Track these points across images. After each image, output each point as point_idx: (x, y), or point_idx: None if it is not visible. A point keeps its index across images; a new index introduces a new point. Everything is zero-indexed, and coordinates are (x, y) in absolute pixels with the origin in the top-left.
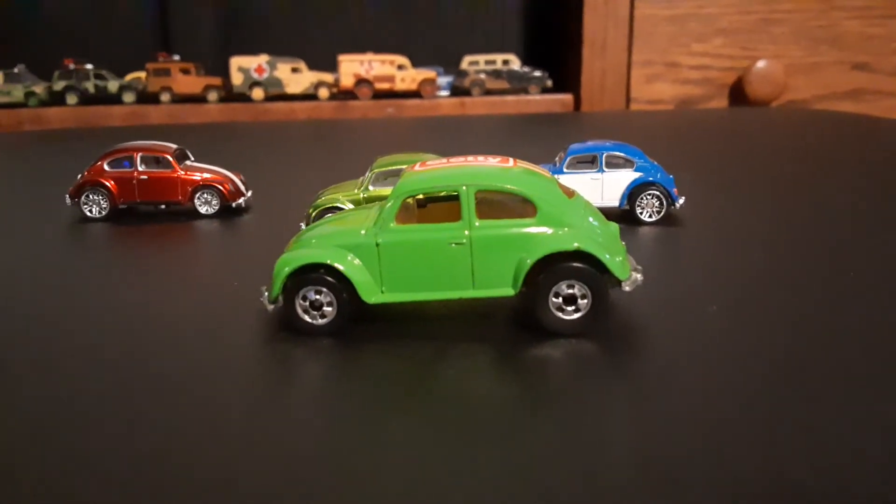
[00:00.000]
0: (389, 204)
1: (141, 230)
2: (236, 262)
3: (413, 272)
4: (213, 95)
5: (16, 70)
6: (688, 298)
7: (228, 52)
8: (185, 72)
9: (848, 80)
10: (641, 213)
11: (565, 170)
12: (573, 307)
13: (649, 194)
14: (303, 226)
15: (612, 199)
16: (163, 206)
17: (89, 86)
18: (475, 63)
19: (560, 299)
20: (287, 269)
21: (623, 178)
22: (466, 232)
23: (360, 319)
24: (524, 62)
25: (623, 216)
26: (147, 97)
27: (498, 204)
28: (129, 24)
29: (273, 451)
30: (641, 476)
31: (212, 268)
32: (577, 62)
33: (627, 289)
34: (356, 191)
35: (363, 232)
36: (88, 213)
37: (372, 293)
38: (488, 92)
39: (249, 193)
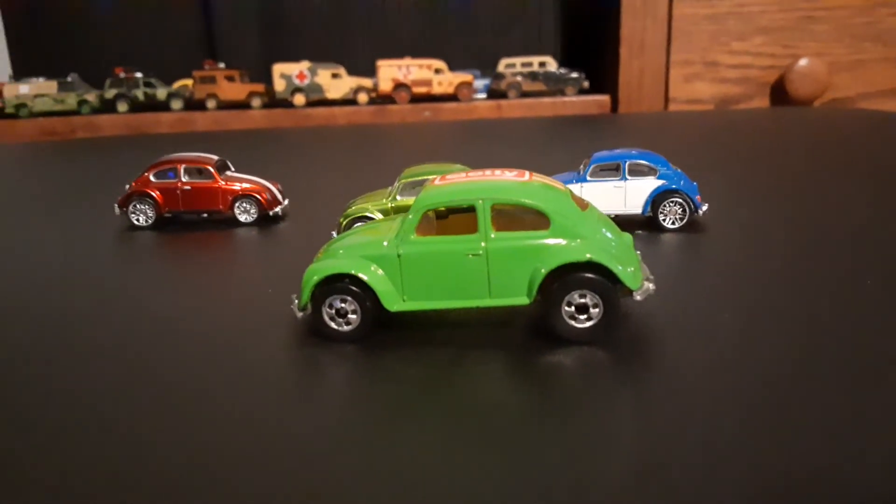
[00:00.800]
0: (410, 217)
1: (184, 237)
2: (271, 269)
3: (432, 282)
4: (256, 102)
5: (69, 79)
6: (703, 307)
7: (271, 58)
8: (230, 79)
9: (893, 77)
10: (664, 221)
11: (589, 178)
12: (585, 316)
13: (672, 202)
14: (334, 234)
15: (636, 207)
16: (205, 215)
17: (139, 94)
18: (511, 65)
19: (573, 308)
20: (314, 279)
21: (646, 186)
22: (483, 244)
23: (383, 326)
24: (561, 63)
25: (646, 223)
26: (194, 104)
27: (513, 216)
28: (177, 33)
29: (293, 450)
30: (641, 484)
31: (248, 274)
32: (615, 62)
33: (639, 298)
34: (385, 200)
35: (386, 243)
36: (136, 222)
37: (394, 302)
38: (525, 94)
39: (286, 202)
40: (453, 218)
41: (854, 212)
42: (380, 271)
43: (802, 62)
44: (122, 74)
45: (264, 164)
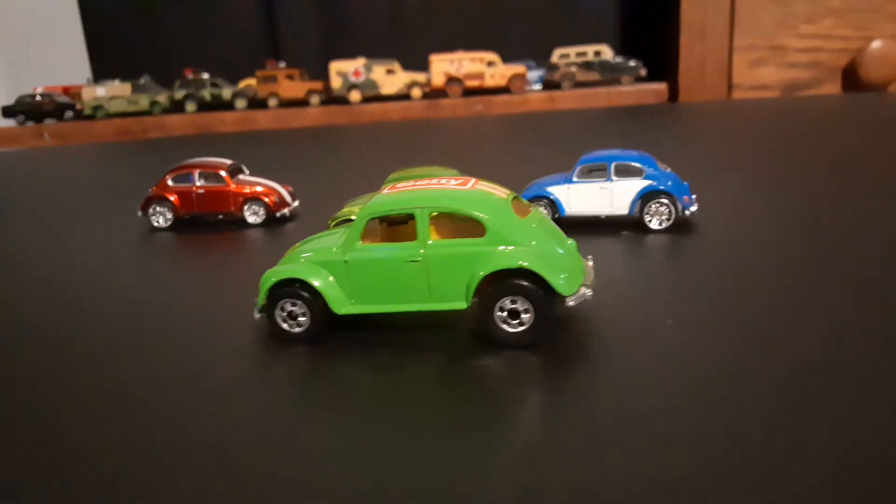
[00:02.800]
0: (355, 225)
1: (193, 238)
2: (254, 271)
3: (377, 287)
4: (314, 99)
5: (142, 81)
6: (652, 312)
7: (329, 56)
8: (290, 77)
9: None
10: (650, 222)
11: (575, 179)
12: (517, 321)
13: (658, 202)
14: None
15: (622, 208)
16: (220, 216)
17: (206, 94)
18: (566, 56)
19: (505, 313)
20: (269, 283)
21: (632, 187)
22: (421, 251)
23: (333, 327)
24: (618, 52)
25: (633, 224)
26: (257, 103)
27: (453, 225)
28: (241, 34)
29: (232, 447)
30: (551, 486)
31: (237, 274)
32: (675, 49)
33: (571, 304)
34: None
35: (335, 249)
36: (155, 224)
37: (342, 305)
38: (579, 84)
39: (295, 203)
40: (405, 226)
41: (875, 215)
42: (330, 276)
43: (875, 44)
44: (190, 76)
45: (295, 164)
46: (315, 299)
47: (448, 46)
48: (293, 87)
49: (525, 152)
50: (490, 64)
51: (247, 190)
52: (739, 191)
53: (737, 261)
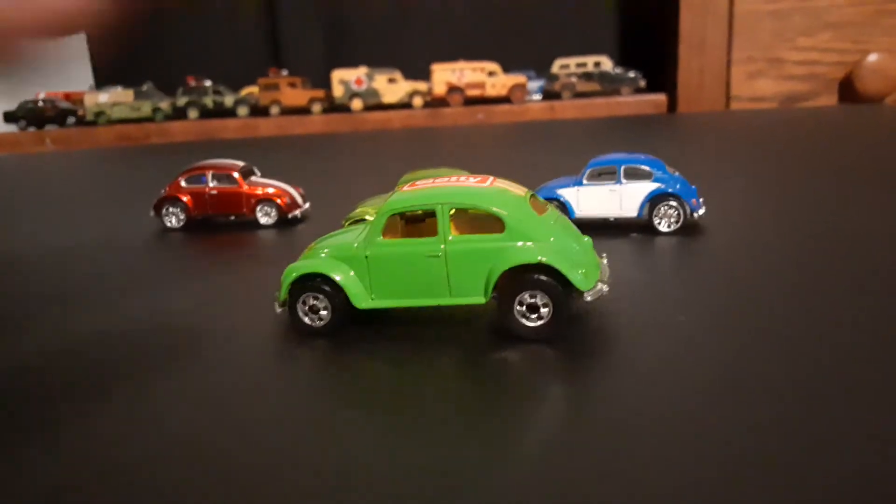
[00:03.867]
0: (376, 221)
1: (206, 239)
2: (271, 271)
3: (397, 281)
4: (316, 107)
5: (144, 88)
6: (664, 310)
7: (332, 65)
8: (292, 86)
9: None
10: (659, 224)
11: (585, 182)
12: (536, 314)
13: (667, 205)
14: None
15: (631, 210)
16: (232, 217)
17: (208, 101)
18: (566, 66)
19: (524, 307)
20: (291, 277)
21: (641, 190)
22: (442, 246)
23: (354, 321)
24: (618, 63)
25: (642, 226)
26: (259, 110)
27: (473, 221)
28: (243, 42)
29: (260, 436)
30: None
31: (251, 274)
32: (674, 61)
33: (589, 299)
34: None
35: (355, 245)
36: (168, 224)
37: (362, 300)
38: (579, 94)
39: (307, 205)
40: (424, 223)
41: (875, 223)
42: (351, 271)
43: (872, 57)
44: (192, 83)
45: (301, 169)
46: (336, 293)
47: (449, 56)
48: (295, 95)
49: (526, 160)
50: (491, 74)
51: (259, 191)
52: (744, 196)
53: (745, 262)
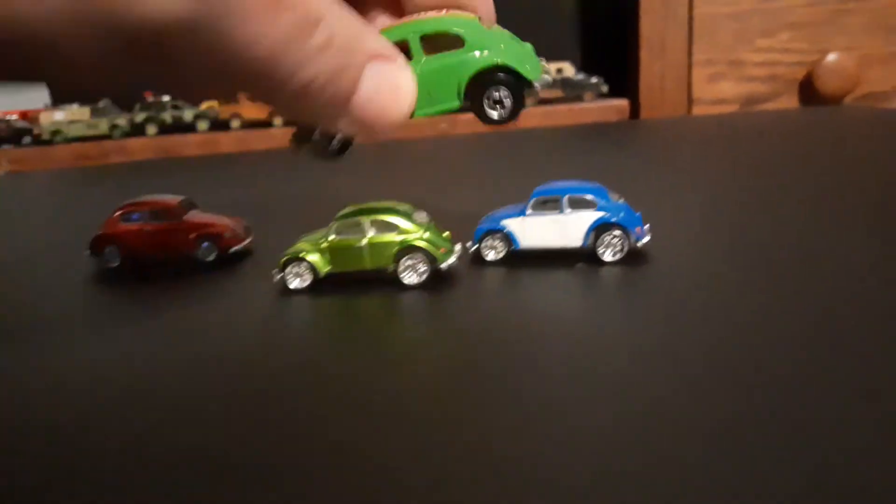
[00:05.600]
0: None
1: (144, 279)
2: (212, 315)
3: None
4: (278, 120)
5: (101, 105)
6: (605, 340)
7: None
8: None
9: None
10: (603, 254)
11: (529, 211)
12: (500, 105)
13: (611, 234)
14: (275, 274)
15: (576, 240)
16: (171, 255)
17: (166, 116)
18: None
19: (491, 101)
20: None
21: (585, 219)
22: (419, 69)
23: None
24: (580, 69)
25: (587, 256)
26: (219, 124)
27: (437, 43)
28: None
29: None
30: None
31: (182, 320)
32: (635, 65)
33: (538, 86)
34: (320, 239)
35: None
36: (105, 264)
37: None
38: (542, 101)
39: (249, 239)
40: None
41: (834, 242)
42: None
43: (830, 57)
44: (150, 98)
45: (252, 193)
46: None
47: None
48: (256, 108)
49: (489, 175)
50: None
51: (198, 228)
52: (697, 215)
53: (687, 291)
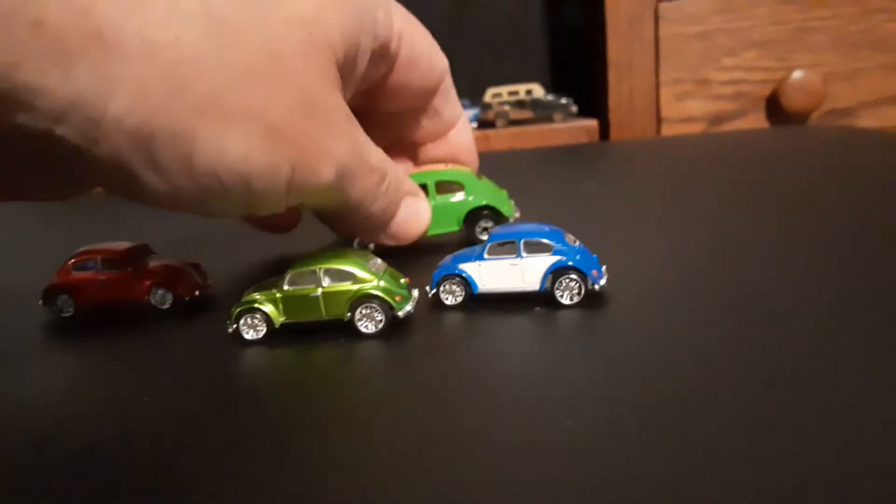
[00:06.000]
0: None
1: (100, 330)
2: (174, 359)
3: None
4: None
5: None
6: (563, 386)
7: None
8: None
9: (893, 85)
10: (561, 297)
11: (486, 256)
12: (483, 230)
13: (567, 278)
14: (229, 325)
15: (533, 284)
16: (127, 304)
17: None
18: (498, 94)
19: (481, 229)
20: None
21: (541, 263)
22: (432, 202)
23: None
24: (550, 90)
25: (545, 300)
26: None
27: (446, 185)
28: None
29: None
30: None
31: (150, 364)
32: (604, 85)
33: (512, 219)
34: (274, 290)
35: None
36: (59, 314)
37: None
38: (513, 122)
39: (207, 284)
40: None
41: (801, 275)
42: None
43: (796, 74)
44: None
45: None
46: None
47: None
48: None
49: None
50: None
51: (152, 275)
52: (658, 250)
53: (646, 333)
